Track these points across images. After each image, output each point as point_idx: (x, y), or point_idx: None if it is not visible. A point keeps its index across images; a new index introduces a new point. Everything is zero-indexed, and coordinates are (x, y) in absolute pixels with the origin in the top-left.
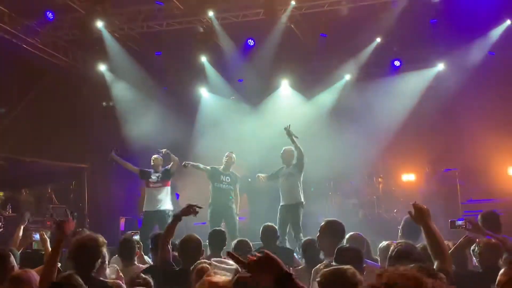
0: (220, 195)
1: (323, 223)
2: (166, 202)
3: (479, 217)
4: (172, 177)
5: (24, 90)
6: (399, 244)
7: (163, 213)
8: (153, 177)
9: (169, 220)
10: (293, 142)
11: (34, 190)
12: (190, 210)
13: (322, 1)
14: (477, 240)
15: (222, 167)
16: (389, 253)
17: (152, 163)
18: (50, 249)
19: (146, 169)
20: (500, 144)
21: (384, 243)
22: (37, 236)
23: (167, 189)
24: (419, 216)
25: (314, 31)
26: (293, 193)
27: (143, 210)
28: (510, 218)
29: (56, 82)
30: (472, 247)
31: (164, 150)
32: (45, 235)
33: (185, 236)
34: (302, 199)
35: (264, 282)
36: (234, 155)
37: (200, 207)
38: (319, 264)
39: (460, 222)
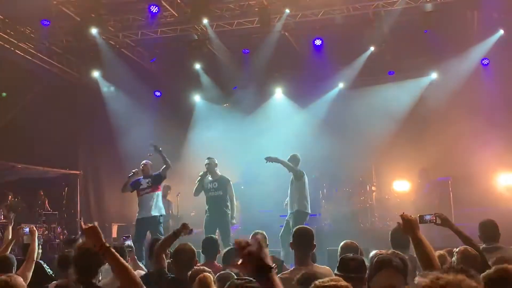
0: (212, 204)
1: (294, 230)
2: (157, 207)
3: (479, 225)
4: (164, 180)
5: (18, 96)
6: (379, 253)
7: (154, 218)
8: (143, 182)
9: (161, 225)
10: (281, 163)
11: (27, 196)
12: (184, 229)
13: (316, 9)
14: (454, 249)
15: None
16: (370, 262)
17: (141, 169)
18: (36, 242)
19: (135, 180)
20: (492, 152)
21: (375, 252)
22: (27, 230)
23: (158, 194)
24: (408, 227)
25: (308, 39)
26: (292, 201)
27: (136, 218)
28: (504, 227)
29: (50, 88)
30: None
31: (151, 144)
32: (34, 227)
33: (179, 246)
34: (301, 208)
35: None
36: (214, 160)
37: (192, 230)
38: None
39: (428, 217)
